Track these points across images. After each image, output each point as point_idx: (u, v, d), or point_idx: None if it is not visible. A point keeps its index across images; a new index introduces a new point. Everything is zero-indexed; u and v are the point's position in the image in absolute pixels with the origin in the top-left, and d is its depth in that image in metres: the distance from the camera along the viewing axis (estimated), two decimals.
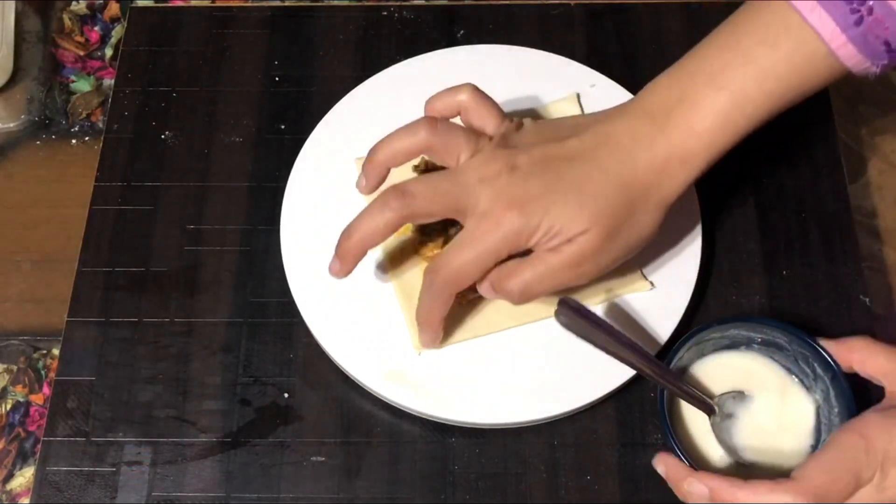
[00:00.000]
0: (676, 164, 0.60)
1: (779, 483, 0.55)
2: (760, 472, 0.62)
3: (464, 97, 0.64)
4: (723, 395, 0.63)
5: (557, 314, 0.59)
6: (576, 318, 0.59)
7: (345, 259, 0.62)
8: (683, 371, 0.64)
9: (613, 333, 0.60)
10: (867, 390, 0.64)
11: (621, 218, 0.60)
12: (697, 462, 0.61)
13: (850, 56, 0.58)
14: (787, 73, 0.59)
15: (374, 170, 0.63)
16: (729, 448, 0.62)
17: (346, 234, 0.61)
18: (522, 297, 0.61)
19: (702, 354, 0.65)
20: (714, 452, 0.62)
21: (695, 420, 0.63)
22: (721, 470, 0.62)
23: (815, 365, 0.63)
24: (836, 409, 0.62)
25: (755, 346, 0.65)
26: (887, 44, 0.57)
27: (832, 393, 0.62)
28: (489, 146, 0.61)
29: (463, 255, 0.60)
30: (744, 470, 0.62)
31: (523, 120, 0.64)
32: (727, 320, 0.63)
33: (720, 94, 0.59)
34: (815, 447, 0.63)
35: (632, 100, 0.63)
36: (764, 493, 0.55)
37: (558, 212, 0.59)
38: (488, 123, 0.63)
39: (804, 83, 0.60)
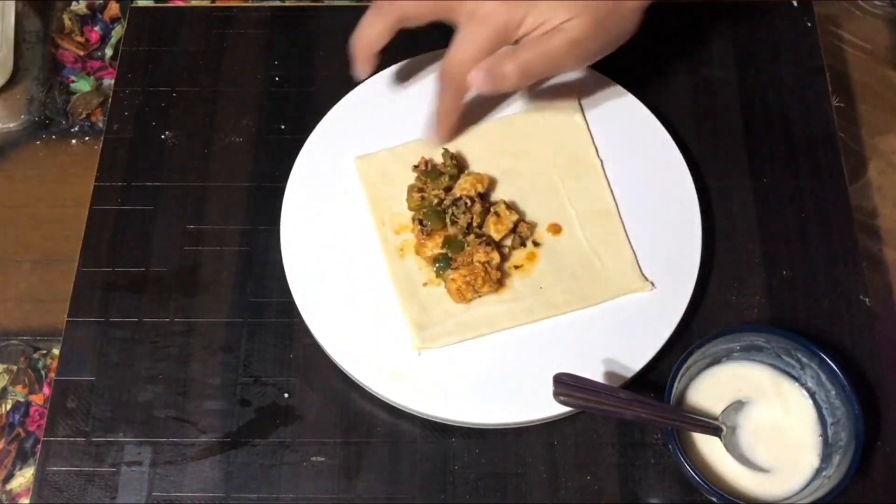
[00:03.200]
0: None
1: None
2: (777, 475, 0.62)
3: None
4: (724, 410, 0.63)
5: (555, 395, 0.59)
6: (573, 392, 0.59)
7: (359, 64, 0.68)
8: (680, 401, 0.64)
9: (613, 392, 0.60)
10: (861, 370, 0.65)
11: (603, 10, 0.64)
12: (713, 480, 0.61)
13: None
14: None
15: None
16: (744, 461, 0.62)
17: (352, 43, 0.67)
18: (522, 78, 0.64)
19: (691, 379, 0.65)
20: (728, 469, 0.62)
21: (702, 440, 0.63)
22: (740, 482, 0.62)
23: (799, 355, 0.63)
24: (832, 392, 0.62)
25: (735, 354, 0.65)
26: None
27: (823, 376, 0.63)
28: None
29: (460, 52, 0.65)
30: (761, 477, 0.62)
31: None
32: (703, 342, 0.63)
33: None
34: (823, 435, 0.63)
35: None
36: None
37: (544, 5, 0.63)
38: None
39: None
